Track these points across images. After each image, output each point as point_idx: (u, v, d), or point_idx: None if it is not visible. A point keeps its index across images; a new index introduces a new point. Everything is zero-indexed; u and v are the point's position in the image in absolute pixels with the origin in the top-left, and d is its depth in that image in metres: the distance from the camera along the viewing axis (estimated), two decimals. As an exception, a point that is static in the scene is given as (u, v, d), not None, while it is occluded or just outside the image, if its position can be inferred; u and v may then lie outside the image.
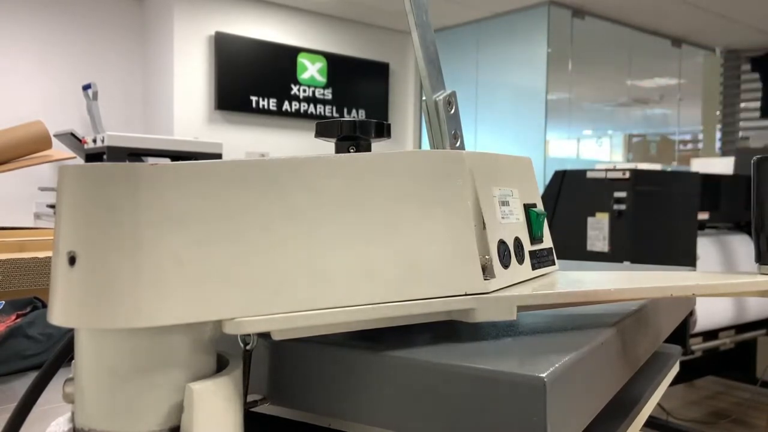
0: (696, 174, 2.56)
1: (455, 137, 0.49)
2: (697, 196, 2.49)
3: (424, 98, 0.49)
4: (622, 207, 2.25)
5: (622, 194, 2.25)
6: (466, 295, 0.40)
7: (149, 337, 0.31)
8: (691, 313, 2.41)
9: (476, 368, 0.35)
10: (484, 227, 0.42)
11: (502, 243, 0.44)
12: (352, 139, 0.46)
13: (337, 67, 5.02)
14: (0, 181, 3.52)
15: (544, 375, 0.33)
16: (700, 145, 6.34)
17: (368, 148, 0.47)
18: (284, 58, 4.74)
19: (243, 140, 4.57)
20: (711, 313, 2.54)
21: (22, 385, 0.60)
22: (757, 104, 6.17)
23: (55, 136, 3.21)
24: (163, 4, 4.33)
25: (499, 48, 4.99)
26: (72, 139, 3.31)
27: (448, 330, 0.43)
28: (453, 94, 0.49)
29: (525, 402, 0.33)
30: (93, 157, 3.04)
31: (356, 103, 5.17)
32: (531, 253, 0.49)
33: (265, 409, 0.42)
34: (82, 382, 0.32)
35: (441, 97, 0.48)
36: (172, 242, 0.30)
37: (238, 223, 0.32)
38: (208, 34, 4.39)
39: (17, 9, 3.99)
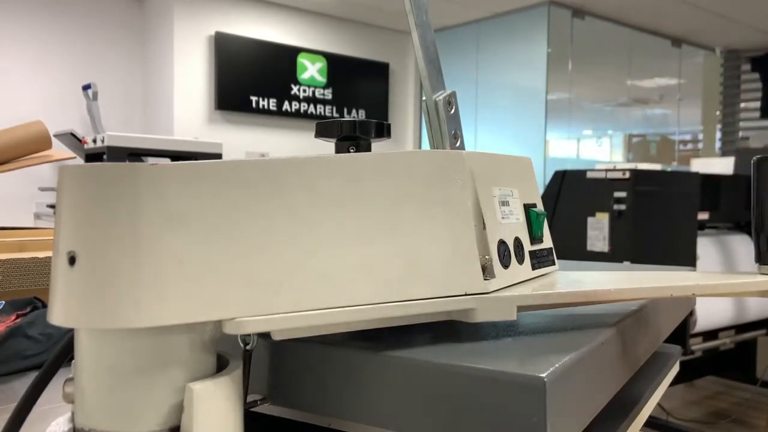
0: (696, 174, 2.56)
1: (455, 137, 0.49)
2: (697, 196, 2.50)
3: (424, 98, 0.49)
4: (622, 207, 2.25)
5: (622, 194, 2.25)
6: (466, 295, 0.40)
7: (149, 336, 0.31)
8: (691, 313, 2.41)
9: (476, 368, 0.35)
10: (484, 227, 0.42)
11: (502, 243, 0.44)
12: (352, 139, 0.46)
13: (337, 67, 5.02)
14: (0, 181, 3.52)
15: (544, 375, 0.33)
16: (700, 145, 6.34)
17: (368, 148, 0.47)
18: (284, 58, 4.74)
19: (243, 140, 4.57)
20: (711, 313, 2.54)
21: (22, 385, 0.60)
22: (757, 104, 6.17)
23: (55, 136, 3.21)
24: (163, 4, 4.33)
25: (499, 48, 4.99)
26: (72, 139, 3.31)
27: (448, 330, 0.43)
28: (453, 94, 0.49)
29: (525, 402, 0.33)
30: (93, 157, 3.04)
31: (356, 103, 5.17)
32: (531, 253, 0.49)
33: (265, 409, 0.42)
34: (82, 382, 0.32)
35: (441, 97, 0.48)
36: (172, 242, 0.30)
37: (238, 223, 0.32)
38: (208, 34, 4.39)
39: (17, 9, 3.99)
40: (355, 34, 5.18)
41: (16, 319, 0.70)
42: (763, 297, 0.47)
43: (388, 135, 0.48)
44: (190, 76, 4.33)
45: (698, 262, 2.49)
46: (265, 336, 0.34)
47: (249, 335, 0.34)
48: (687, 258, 2.44)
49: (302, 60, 4.83)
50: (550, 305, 0.44)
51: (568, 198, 2.40)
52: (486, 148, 0.83)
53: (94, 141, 2.99)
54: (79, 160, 3.13)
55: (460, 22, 5.16)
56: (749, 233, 2.83)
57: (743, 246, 2.76)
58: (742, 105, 6.28)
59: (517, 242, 0.46)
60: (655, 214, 2.32)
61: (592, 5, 4.73)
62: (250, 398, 0.37)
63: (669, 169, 3.93)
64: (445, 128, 0.48)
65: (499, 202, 0.45)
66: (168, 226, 0.30)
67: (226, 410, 0.32)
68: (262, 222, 0.33)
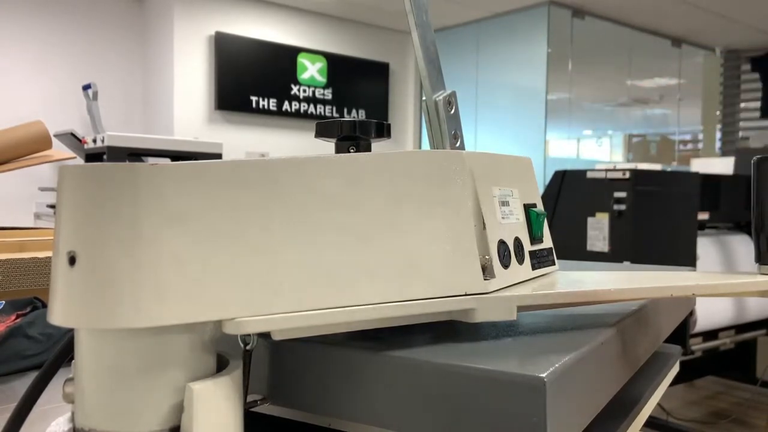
0: (696, 174, 2.56)
1: (455, 137, 0.49)
2: (697, 196, 2.50)
3: (424, 98, 0.49)
4: (622, 207, 2.25)
5: (622, 194, 2.25)
6: (466, 295, 0.40)
7: (149, 337, 0.31)
8: (691, 313, 2.41)
9: (476, 368, 0.35)
10: (484, 227, 0.42)
11: (502, 243, 0.44)
12: (352, 139, 0.46)
13: (337, 67, 5.02)
14: (0, 181, 3.52)
15: (544, 375, 0.33)
16: (700, 145, 6.34)
17: (368, 148, 0.47)
18: (284, 58, 4.74)
19: (243, 140, 4.57)
20: (711, 313, 2.54)
21: (22, 385, 0.60)
22: (757, 104, 6.17)
23: (55, 136, 3.21)
24: (163, 4, 4.33)
25: (499, 48, 4.99)
26: (72, 139, 3.31)
27: (448, 330, 0.43)
28: (453, 94, 0.49)
29: (525, 402, 0.33)
30: (93, 157, 3.04)
31: (356, 103, 5.17)
32: (531, 253, 0.49)
33: (265, 409, 0.42)
34: (82, 382, 0.32)
35: (441, 97, 0.48)
36: (172, 242, 0.30)
37: (238, 223, 0.32)
38: (208, 34, 4.39)
39: (17, 9, 3.99)
40: (355, 34, 5.18)
41: (16, 319, 0.70)
42: (763, 297, 0.47)
43: (388, 135, 0.48)
44: (190, 76, 4.33)
45: (698, 262, 2.49)
46: (265, 336, 0.34)
47: (249, 335, 0.34)
48: (687, 258, 2.44)
49: (302, 60, 4.83)
50: (550, 305, 0.44)
51: (568, 198, 2.40)
52: (486, 148, 0.83)
53: (94, 141, 2.99)
54: (79, 160, 3.13)
55: (460, 22, 5.16)
56: (749, 233, 2.83)
57: (743, 246, 2.76)
58: (742, 105, 6.28)
59: (517, 242, 0.46)
60: (655, 214, 2.32)
61: (592, 5, 4.73)
62: (250, 398, 0.37)
63: (669, 169, 3.93)
64: (445, 128, 0.48)
65: (499, 202, 0.45)
66: (168, 226, 0.30)
67: (226, 410, 0.32)
68: (262, 222, 0.33)
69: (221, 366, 0.34)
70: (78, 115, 4.16)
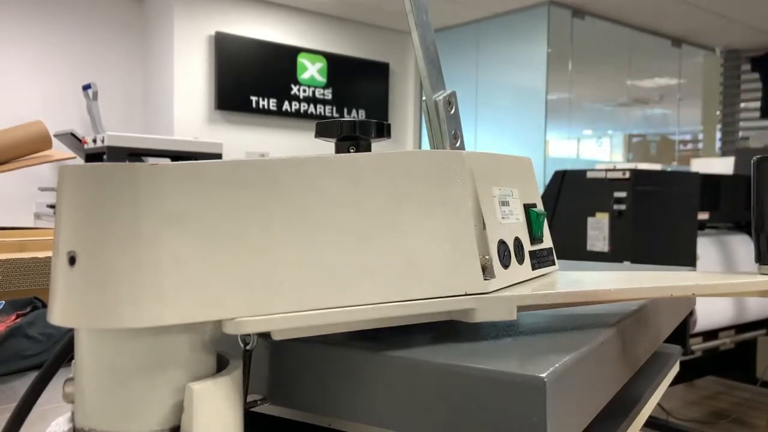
0: (696, 174, 2.56)
1: (455, 137, 0.49)
2: (697, 196, 2.50)
3: (424, 98, 0.49)
4: (622, 207, 2.25)
5: (622, 194, 2.25)
6: (466, 295, 0.40)
7: (149, 337, 0.31)
8: (691, 313, 2.41)
9: (476, 368, 0.35)
10: (484, 227, 0.42)
11: (502, 243, 0.44)
12: (352, 139, 0.46)
13: (337, 67, 5.02)
14: (0, 181, 3.52)
15: (544, 375, 0.33)
16: (700, 145, 6.35)
17: (368, 148, 0.47)
18: (284, 58, 4.74)
19: (243, 140, 4.57)
20: (711, 313, 2.54)
21: (22, 385, 0.60)
22: (757, 104, 6.17)
23: (55, 136, 3.21)
24: (163, 4, 4.33)
25: (499, 48, 4.99)
26: (72, 139, 3.31)
27: (448, 330, 0.43)
28: (453, 94, 0.49)
29: (525, 402, 0.33)
30: (93, 157, 3.04)
31: (356, 103, 5.17)
32: (531, 253, 0.49)
33: (265, 409, 0.42)
34: (82, 382, 0.32)
35: (441, 97, 0.48)
36: (172, 242, 0.30)
37: (238, 223, 0.32)
38: (208, 34, 4.39)
39: (17, 9, 3.99)
40: (355, 34, 5.18)
41: (16, 319, 0.70)
42: (763, 297, 0.47)
43: (388, 135, 0.48)
44: (190, 76, 4.33)
45: (698, 262, 2.49)
46: (265, 336, 0.34)
47: (249, 335, 0.34)
48: (687, 258, 2.44)
49: (302, 60, 4.83)
50: (550, 305, 0.44)
51: (568, 198, 2.40)
52: (486, 148, 0.83)
53: (94, 141, 2.99)
54: (79, 160, 3.13)
55: (460, 22, 5.16)
56: (749, 233, 2.83)
57: (743, 246, 2.76)
58: (742, 105, 6.28)
59: (517, 242, 0.46)
60: (655, 214, 2.32)
61: (592, 5, 4.73)
62: (250, 398, 0.37)
63: (669, 169, 3.93)
64: (445, 128, 0.48)
65: (499, 202, 0.45)
66: (168, 226, 0.30)
67: (226, 410, 0.32)
68: (261, 222, 0.33)
69: (221, 366, 0.34)
70: (78, 115, 4.16)
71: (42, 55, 4.09)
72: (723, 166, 3.48)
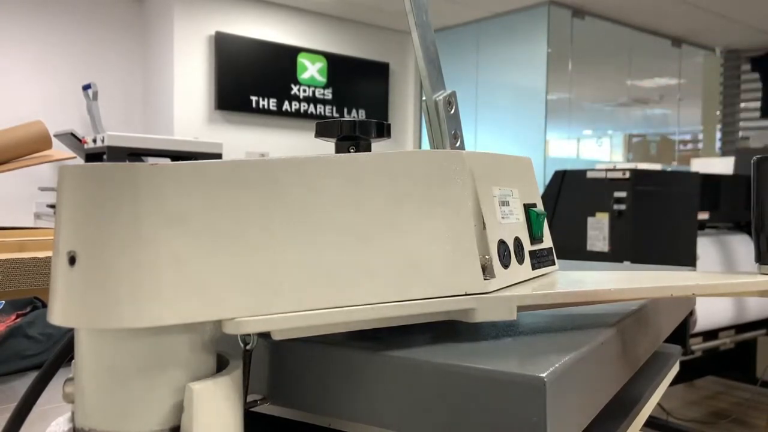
0: (696, 174, 2.56)
1: (455, 137, 0.49)
2: (697, 196, 2.49)
3: (424, 98, 0.49)
4: (622, 207, 2.25)
5: (622, 194, 2.25)
6: (465, 295, 0.40)
7: (149, 337, 0.31)
8: (691, 313, 2.41)
9: (476, 368, 0.35)
10: (484, 227, 0.42)
11: (502, 243, 0.44)
12: (352, 139, 0.46)
13: (337, 67, 5.02)
14: (0, 181, 3.52)
15: (544, 375, 0.33)
16: (700, 145, 6.35)
17: (368, 148, 0.47)
18: (284, 58, 4.74)
19: (243, 140, 4.57)
20: (711, 313, 2.54)
21: (22, 385, 0.60)
22: (757, 104, 6.17)
23: (55, 136, 3.21)
24: (163, 4, 4.33)
25: (499, 48, 4.99)
26: (72, 139, 3.31)
27: (448, 330, 0.43)
28: (453, 94, 0.49)
29: (525, 402, 0.33)
30: (93, 157, 3.04)
31: (356, 103, 5.17)
32: (531, 253, 0.49)
33: (265, 409, 0.42)
34: (82, 382, 0.32)
35: (441, 97, 0.48)
36: (172, 242, 0.30)
37: (238, 223, 0.32)
38: (208, 34, 4.39)
39: (17, 9, 3.99)
40: (355, 34, 5.18)
41: (16, 319, 0.70)
42: (763, 297, 0.47)
43: (388, 135, 0.48)
44: (190, 76, 4.34)
45: (698, 262, 2.49)
46: (265, 336, 0.34)
47: (249, 335, 0.34)
48: (687, 258, 2.44)
49: (302, 60, 4.83)
50: (550, 305, 0.44)
51: (568, 198, 2.40)
52: (486, 148, 0.83)
53: (94, 141, 2.99)
54: (79, 160, 3.13)
55: (460, 22, 5.16)
56: (749, 233, 2.83)
57: (743, 246, 2.76)
58: (742, 105, 6.28)
59: (517, 242, 0.46)
60: (655, 214, 2.32)
61: (592, 5, 4.73)
62: (250, 398, 0.37)
63: (669, 169, 3.93)
64: (445, 128, 0.48)
65: (499, 202, 0.45)
66: (168, 226, 0.30)
67: (226, 410, 0.32)
68: (261, 222, 0.33)
69: (221, 366, 0.34)
70: (78, 115, 4.16)
71: (42, 55, 4.09)
72: (723, 166, 3.48)
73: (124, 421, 0.31)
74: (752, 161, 0.48)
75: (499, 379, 0.34)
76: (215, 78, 4.40)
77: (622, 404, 0.53)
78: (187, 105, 4.32)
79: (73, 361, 0.32)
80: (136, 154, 2.94)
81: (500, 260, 0.43)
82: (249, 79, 4.56)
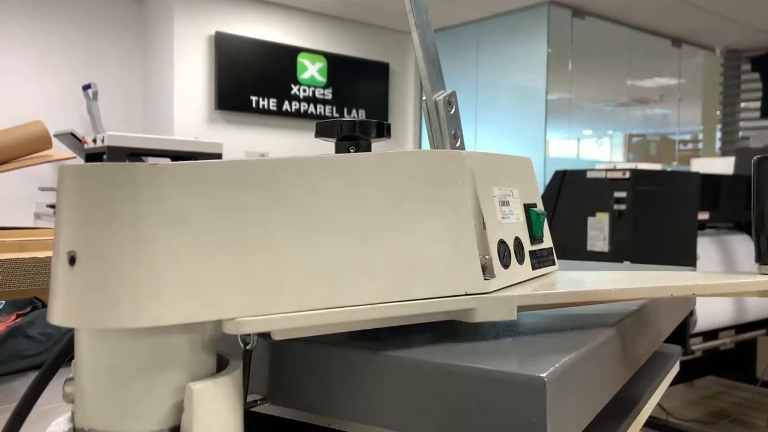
0: (696, 174, 2.56)
1: (455, 137, 0.49)
2: (697, 196, 2.49)
3: (424, 98, 0.49)
4: (622, 207, 2.25)
5: (622, 194, 2.25)
6: (466, 295, 0.40)
7: (149, 337, 0.31)
8: (691, 313, 2.41)
9: (476, 368, 0.35)
10: (484, 227, 0.42)
11: (502, 243, 0.44)
12: (352, 139, 0.46)
13: (337, 67, 5.02)
14: (0, 181, 3.52)
15: (544, 375, 0.33)
16: (700, 145, 6.35)
17: (368, 148, 0.47)
18: (284, 58, 4.74)
19: (243, 140, 4.57)
20: (711, 313, 2.54)
21: (22, 385, 0.60)
22: (757, 104, 6.17)
23: (55, 136, 3.21)
24: (163, 4, 4.33)
25: (499, 48, 4.99)
26: (72, 139, 3.31)
27: (448, 330, 0.43)
28: (453, 94, 0.49)
29: (525, 402, 0.33)
30: (93, 157, 3.04)
31: (356, 103, 5.17)
32: (531, 253, 0.49)
33: (265, 409, 0.42)
34: (82, 382, 0.32)
35: (441, 97, 0.48)
36: (172, 242, 0.30)
37: (238, 223, 0.32)
38: (208, 34, 4.39)
39: (17, 9, 3.99)
40: (355, 34, 5.18)
41: (16, 319, 0.70)
42: (763, 297, 0.47)
43: (388, 135, 0.48)
44: (190, 76, 4.33)
45: (698, 262, 2.49)
46: (265, 336, 0.34)
47: (249, 335, 0.34)
48: (687, 258, 2.44)
49: (302, 60, 4.83)
50: (550, 305, 0.44)
51: (568, 198, 2.40)
52: (486, 148, 0.83)
53: (94, 141, 2.99)
54: (79, 160, 3.13)
55: (460, 22, 5.16)
56: (749, 233, 2.83)
57: (743, 246, 2.76)
58: (742, 105, 6.28)
59: (517, 242, 0.46)
60: (655, 214, 2.32)
61: (592, 5, 4.73)
62: (250, 398, 0.37)
63: (669, 169, 3.93)
64: (445, 128, 0.48)
65: (499, 202, 0.45)
66: (168, 226, 0.30)
67: (226, 410, 0.32)
68: (262, 222, 0.33)
69: (221, 366, 0.34)
70: (78, 115, 4.16)
71: (42, 55, 4.09)
72: (723, 166, 3.48)
73: (124, 421, 0.31)
74: (752, 161, 0.48)
75: (499, 379, 0.34)
76: (215, 78, 4.40)
77: (622, 404, 0.53)
78: (187, 105, 4.32)
79: (73, 361, 0.32)
80: (136, 154, 2.94)
81: (500, 260, 0.43)
82: (249, 79, 4.56)
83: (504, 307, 0.41)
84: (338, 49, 5.05)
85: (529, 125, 4.74)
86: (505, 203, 0.46)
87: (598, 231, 2.30)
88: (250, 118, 4.63)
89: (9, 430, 0.36)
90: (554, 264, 0.53)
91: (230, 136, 4.45)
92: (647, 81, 5.74)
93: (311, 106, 4.90)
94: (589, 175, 2.35)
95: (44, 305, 0.75)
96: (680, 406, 2.95)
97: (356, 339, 0.40)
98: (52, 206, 3.35)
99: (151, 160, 2.93)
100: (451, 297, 0.39)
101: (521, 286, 0.45)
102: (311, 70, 4.88)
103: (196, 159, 1.27)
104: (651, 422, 2.42)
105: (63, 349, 0.36)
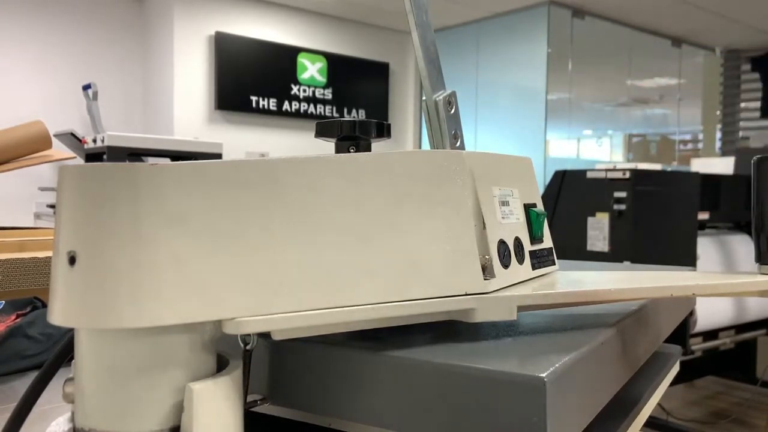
0: (696, 174, 2.56)
1: (455, 137, 0.49)
2: (697, 196, 2.49)
3: (424, 98, 0.49)
4: (622, 207, 2.25)
5: (622, 194, 2.25)
6: (466, 295, 0.40)
7: (149, 337, 0.31)
8: (691, 313, 2.41)
9: (476, 368, 0.35)
10: (484, 227, 0.42)
11: (502, 243, 0.44)
12: (352, 139, 0.46)
13: (337, 67, 5.02)
14: (0, 181, 3.52)
15: (544, 375, 0.33)
16: (700, 145, 6.35)
17: (368, 148, 0.47)
18: (284, 58, 4.74)
19: (243, 140, 4.57)
20: (711, 313, 2.54)
21: (22, 385, 0.60)
22: (757, 104, 6.17)
23: (55, 136, 3.21)
24: (163, 4, 4.33)
25: (499, 48, 4.99)
26: (72, 139, 3.31)
27: (448, 330, 0.43)
28: (453, 94, 0.49)
29: (525, 402, 0.33)
30: (93, 157, 3.04)
31: (356, 103, 5.17)
32: (531, 253, 0.49)
33: (265, 409, 0.42)
34: (82, 382, 0.32)
35: (441, 97, 0.48)
36: (172, 242, 0.30)
37: (238, 223, 0.32)
38: (208, 34, 4.39)
39: (17, 9, 3.99)
40: (355, 34, 5.18)
41: (16, 319, 0.70)
42: (763, 297, 0.47)
43: (388, 135, 0.48)
44: (190, 76, 4.33)
45: (698, 262, 2.49)
46: (265, 336, 0.34)
47: (249, 335, 0.34)
48: (687, 258, 2.44)
49: (302, 60, 4.83)
50: (550, 305, 0.44)
51: (568, 198, 2.40)
52: (486, 148, 0.83)
53: (94, 141, 2.99)
54: (79, 160, 3.13)
55: (460, 22, 5.16)
56: (749, 233, 2.83)
57: (743, 246, 2.76)
58: (742, 105, 6.28)
59: (517, 242, 0.46)
60: (655, 214, 2.32)
61: (592, 5, 4.73)
62: (250, 398, 0.37)
63: (669, 169, 3.93)
64: (445, 128, 0.48)
65: (499, 202, 0.45)
66: (168, 225, 0.30)
67: (226, 410, 0.32)
68: (261, 222, 0.33)
69: (221, 366, 0.34)
70: (78, 115, 4.16)
71: (42, 55, 4.09)
72: (723, 166, 3.48)
73: (124, 421, 0.31)
74: (752, 161, 0.48)
75: (499, 379, 0.34)
76: (215, 78, 4.40)
77: (622, 404, 0.53)
78: (187, 105, 4.32)
79: (73, 361, 0.32)
80: (136, 154, 2.94)
81: (500, 260, 0.43)
82: (249, 79, 4.56)
83: (504, 307, 0.41)
84: (338, 49, 5.05)
85: (529, 125, 4.74)
86: (505, 203, 0.46)
87: (598, 231, 2.30)
88: (250, 118, 4.63)
89: (9, 430, 0.36)
90: (554, 264, 0.53)
91: (230, 136, 4.45)
92: (647, 81, 5.74)
93: (311, 106, 4.90)
94: (589, 175, 2.35)
95: (44, 305, 0.75)
96: (680, 406, 2.96)
97: (356, 339, 0.40)
98: (52, 206, 3.35)
99: (151, 160, 2.93)
100: (451, 297, 0.39)
101: (521, 286, 0.45)
102: (311, 70, 4.88)
103: (196, 159, 1.27)
104: (651, 422, 2.42)
105: (63, 349, 0.36)
